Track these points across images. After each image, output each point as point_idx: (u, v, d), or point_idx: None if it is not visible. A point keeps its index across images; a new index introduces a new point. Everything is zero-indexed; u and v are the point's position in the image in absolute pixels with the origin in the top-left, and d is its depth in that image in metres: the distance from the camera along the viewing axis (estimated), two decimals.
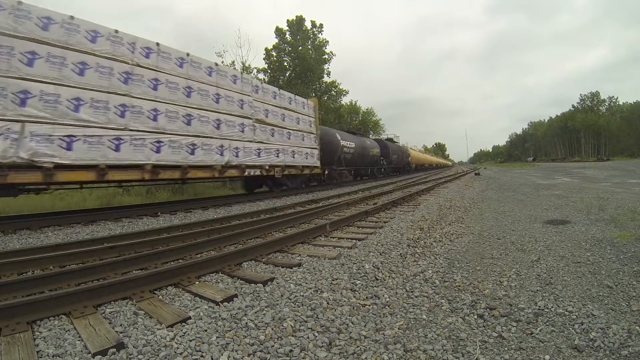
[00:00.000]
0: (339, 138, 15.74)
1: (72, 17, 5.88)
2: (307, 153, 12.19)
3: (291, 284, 2.62)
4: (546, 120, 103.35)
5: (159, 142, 6.90)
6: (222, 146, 8.37)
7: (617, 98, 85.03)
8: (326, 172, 14.78)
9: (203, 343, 1.77)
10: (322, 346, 1.77)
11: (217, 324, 1.99)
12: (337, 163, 15.77)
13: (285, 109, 11.20)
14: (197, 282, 2.81)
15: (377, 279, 2.74)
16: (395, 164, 26.49)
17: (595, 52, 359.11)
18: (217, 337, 1.84)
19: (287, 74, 25.41)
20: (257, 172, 9.62)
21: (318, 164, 12.87)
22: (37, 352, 1.76)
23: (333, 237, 4.45)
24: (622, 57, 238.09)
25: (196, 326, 1.98)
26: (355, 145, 17.61)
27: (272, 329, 1.90)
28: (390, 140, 29.12)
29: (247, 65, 22.40)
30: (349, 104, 35.15)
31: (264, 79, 24.82)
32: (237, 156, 8.81)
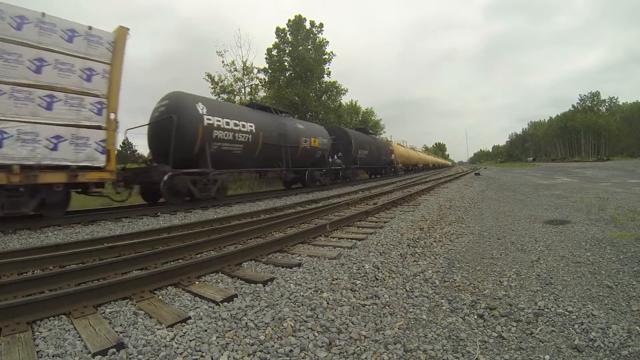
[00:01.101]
0: (202, 112, 8.41)
1: None
2: (59, 138, 5.75)
3: (291, 284, 2.62)
4: (546, 120, 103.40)
5: None
6: None
7: (617, 98, 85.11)
8: (165, 178, 7.41)
9: (203, 343, 1.77)
10: (322, 346, 1.77)
11: (217, 324, 1.99)
12: (195, 162, 8.44)
13: None
14: (197, 282, 2.81)
15: (377, 279, 2.75)
16: (366, 164, 19.06)
17: (594, 53, 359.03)
18: (217, 337, 1.84)
19: (287, 74, 25.39)
20: None
21: (102, 161, 6.31)
22: (37, 352, 1.76)
23: (333, 237, 4.45)
24: (621, 58, 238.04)
25: (196, 326, 1.98)
26: (257, 129, 9.84)
27: (272, 329, 1.91)
28: (363, 130, 21.59)
29: (247, 65, 22.40)
30: (348, 103, 35.15)
31: (265, 79, 24.79)
32: None
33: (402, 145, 32.75)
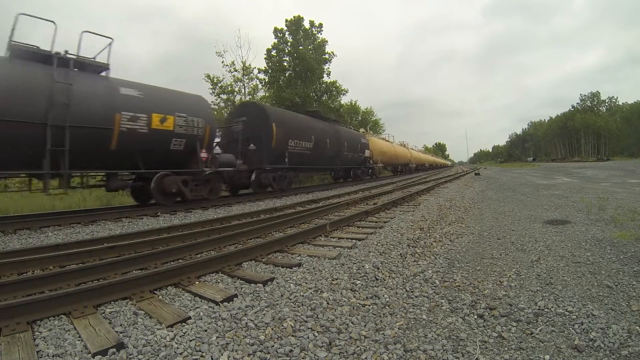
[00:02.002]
0: None
1: None
2: None
3: (291, 284, 2.62)
4: (546, 120, 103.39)
5: None
6: None
7: (617, 98, 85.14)
8: None
9: (203, 343, 1.77)
10: (322, 346, 1.77)
11: (217, 324, 1.99)
12: None
13: None
14: (197, 282, 2.81)
15: (377, 279, 2.74)
16: (306, 163, 12.55)
17: (593, 54, 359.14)
18: (217, 337, 1.84)
19: (287, 74, 25.39)
20: None
21: None
22: (37, 352, 1.76)
23: (333, 237, 4.45)
24: (619, 59, 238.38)
25: (196, 326, 1.98)
26: None
27: (272, 329, 1.90)
28: (313, 114, 14.86)
29: (247, 65, 22.40)
30: (348, 104, 35.14)
31: (265, 79, 24.81)
32: None
33: (386, 140, 26.14)
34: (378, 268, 2.97)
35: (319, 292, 2.43)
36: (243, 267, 3.28)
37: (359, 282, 2.65)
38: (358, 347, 1.78)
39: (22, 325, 1.99)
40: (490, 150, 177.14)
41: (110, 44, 7.19)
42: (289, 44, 25.50)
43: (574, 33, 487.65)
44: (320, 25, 26.57)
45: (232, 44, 41.43)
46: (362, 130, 23.81)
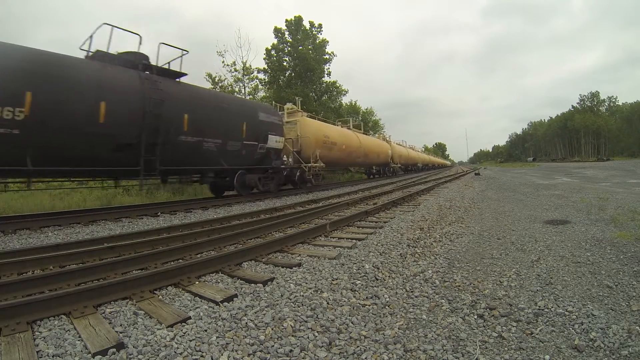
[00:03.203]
0: None
1: None
2: None
3: (291, 284, 2.62)
4: (546, 120, 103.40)
5: None
6: None
7: (617, 98, 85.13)
8: None
9: (203, 343, 1.77)
10: (322, 346, 1.77)
11: (217, 324, 1.99)
12: None
13: None
14: (197, 282, 2.81)
15: (377, 279, 2.74)
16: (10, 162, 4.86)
17: (591, 54, 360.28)
18: (217, 337, 1.84)
19: (287, 74, 25.40)
20: None
21: None
22: (37, 352, 1.76)
23: (333, 237, 4.44)
24: (618, 59, 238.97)
25: (196, 326, 1.98)
26: None
27: (272, 329, 1.90)
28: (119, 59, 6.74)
29: (247, 65, 22.41)
30: (348, 104, 35.18)
31: (265, 79, 24.84)
32: None
33: (344, 127, 17.95)
34: (378, 268, 2.97)
35: (319, 292, 2.43)
36: (243, 267, 3.28)
37: (359, 282, 2.65)
38: (358, 347, 1.78)
39: (22, 325, 1.99)
40: (490, 150, 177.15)
41: None
42: (288, 44, 25.51)
43: (573, 34, 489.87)
44: (320, 25, 26.61)
45: (233, 44, 41.43)
46: (290, 105, 13.91)
